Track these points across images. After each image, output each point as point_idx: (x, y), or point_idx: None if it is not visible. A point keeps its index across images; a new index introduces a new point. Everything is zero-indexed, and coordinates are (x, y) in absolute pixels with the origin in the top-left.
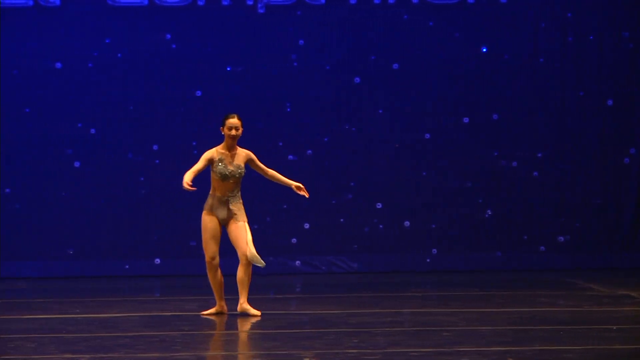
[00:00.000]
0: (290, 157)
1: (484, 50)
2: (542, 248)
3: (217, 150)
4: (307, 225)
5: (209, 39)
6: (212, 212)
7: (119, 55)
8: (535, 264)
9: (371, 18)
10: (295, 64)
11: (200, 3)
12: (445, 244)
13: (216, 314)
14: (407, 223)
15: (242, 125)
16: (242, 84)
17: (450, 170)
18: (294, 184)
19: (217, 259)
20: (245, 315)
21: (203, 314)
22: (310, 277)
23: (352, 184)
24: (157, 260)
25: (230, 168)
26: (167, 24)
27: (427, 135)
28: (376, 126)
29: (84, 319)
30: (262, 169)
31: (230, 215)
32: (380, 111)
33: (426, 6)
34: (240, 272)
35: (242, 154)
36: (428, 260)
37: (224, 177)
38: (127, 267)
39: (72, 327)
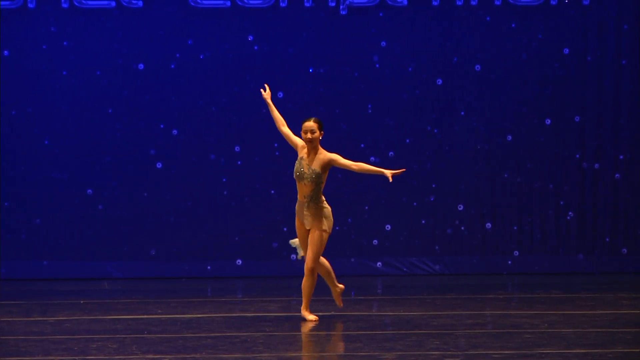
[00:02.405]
0: (372, 158)
1: (566, 52)
2: (624, 250)
3: (305, 148)
4: (388, 227)
5: (291, 40)
6: (297, 215)
7: (201, 56)
8: (617, 266)
9: (453, 20)
10: (377, 65)
11: (282, 4)
12: (527, 246)
13: (338, 296)
14: (488, 225)
15: (321, 128)
16: (323, 85)
17: (532, 172)
18: (386, 172)
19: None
20: (323, 317)
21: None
22: (392, 279)
23: (433, 185)
24: (239, 262)
25: (304, 170)
26: (250, 26)
27: (509, 137)
28: (458, 128)
29: (166, 320)
30: (348, 166)
31: (307, 221)
32: (462, 113)
33: (508, 8)
34: (303, 281)
35: (323, 158)
36: (510, 262)
37: (298, 177)
38: (209, 268)
39: (154, 327)
